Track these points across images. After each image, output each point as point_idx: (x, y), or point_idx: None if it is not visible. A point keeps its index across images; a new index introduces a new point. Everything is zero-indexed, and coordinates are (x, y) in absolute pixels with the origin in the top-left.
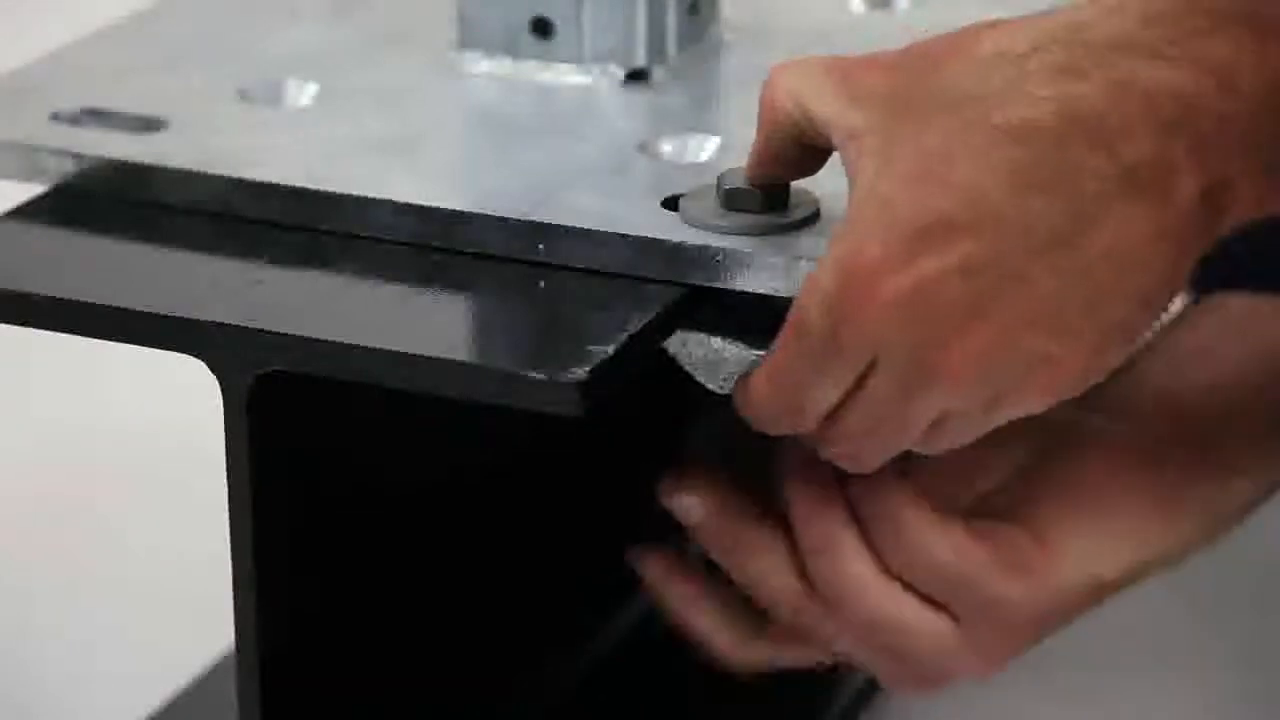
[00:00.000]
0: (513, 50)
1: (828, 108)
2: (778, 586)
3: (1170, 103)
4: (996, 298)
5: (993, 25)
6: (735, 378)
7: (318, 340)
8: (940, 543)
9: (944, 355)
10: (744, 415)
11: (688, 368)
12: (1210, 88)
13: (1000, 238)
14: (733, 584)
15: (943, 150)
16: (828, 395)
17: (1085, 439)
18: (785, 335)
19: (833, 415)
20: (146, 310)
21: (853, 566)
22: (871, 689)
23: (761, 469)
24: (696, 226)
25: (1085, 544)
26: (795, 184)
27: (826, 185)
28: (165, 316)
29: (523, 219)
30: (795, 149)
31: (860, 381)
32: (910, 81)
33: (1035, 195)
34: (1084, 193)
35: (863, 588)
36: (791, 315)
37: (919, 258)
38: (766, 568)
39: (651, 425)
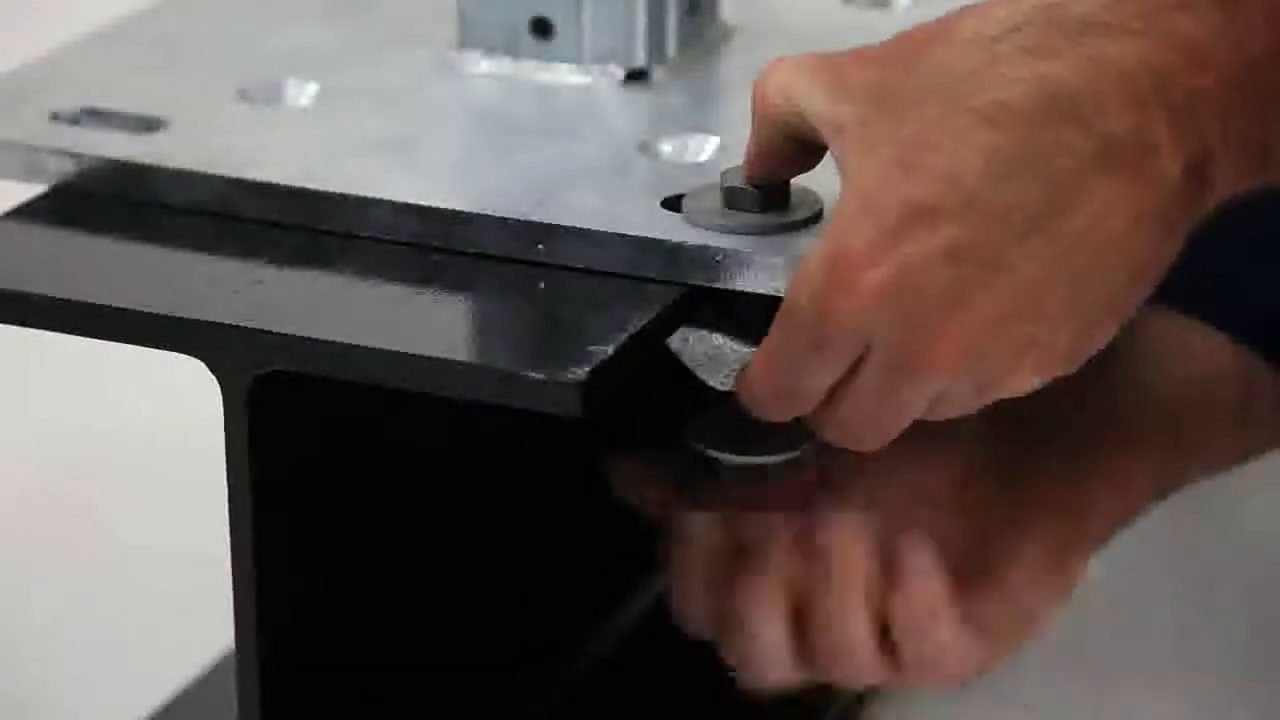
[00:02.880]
0: (513, 50)
1: (817, 103)
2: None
3: (1143, 77)
4: (981, 284)
5: (971, 10)
6: (736, 374)
7: (318, 340)
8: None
9: (931, 343)
10: (744, 402)
11: (689, 364)
12: (1180, 62)
13: (981, 223)
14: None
15: (922, 138)
16: (821, 380)
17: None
18: (778, 321)
19: (829, 399)
20: (146, 310)
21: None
22: (871, 691)
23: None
24: (699, 225)
25: None
26: (798, 184)
27: (829, 185)
28: (165, 316)
29: (523, 219)
30: (788, 145)
31: (854, 367)
32: (894, 72)
33: (1012, 178)
34: (1060, 171)
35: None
36: (784, 303)
37: (901, 246)
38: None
39: (652, 423)
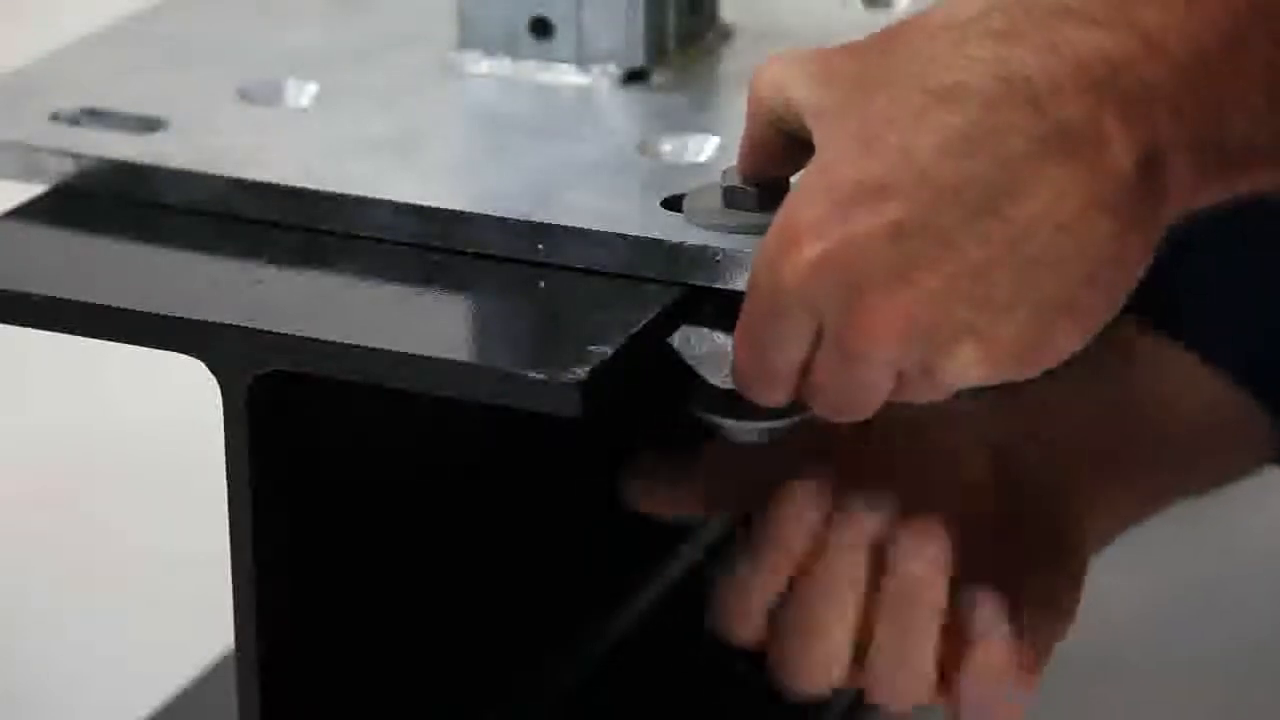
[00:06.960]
0: (513, 50)
1: (803, 90)
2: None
3: (1099, 64)
4: (924, 262)
5: None
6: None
7: (318, 340)
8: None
9: (869, 316)
10: (739, 386)
11: (690, 362)
12: (1138, 51)
13: (930, 201)
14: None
15: (884, 116)
16: (787, 353)
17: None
18: (746, 293)
19: (805, 371)
20: (146, 310)
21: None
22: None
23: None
24: (699, 225)
25: None
26: (797, 184)
27: None
28: (165, 316)
29: (523, 219)
30: (778, 138)
31: (817, 338)
32: (875, 59)
33: (965, 157)
34: (1012, 153)
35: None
36: (749, 273)
37: (850, 220)
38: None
39: (652, 423)
